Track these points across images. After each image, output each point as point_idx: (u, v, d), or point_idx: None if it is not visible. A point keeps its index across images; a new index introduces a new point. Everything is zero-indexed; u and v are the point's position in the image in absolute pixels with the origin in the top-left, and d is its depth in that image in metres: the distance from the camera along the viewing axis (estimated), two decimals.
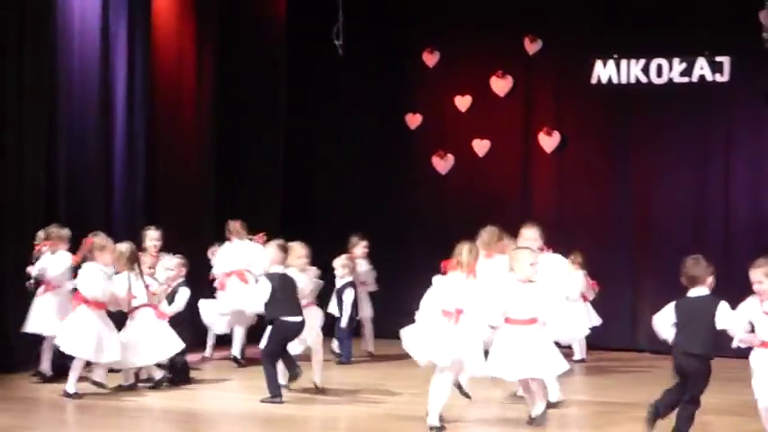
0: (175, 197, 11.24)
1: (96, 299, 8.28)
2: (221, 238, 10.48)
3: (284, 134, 12.66)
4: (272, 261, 8.19)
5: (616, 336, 11.56)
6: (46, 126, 9.57)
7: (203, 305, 10.23)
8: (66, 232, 8.81)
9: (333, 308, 10.41)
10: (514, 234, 8.31)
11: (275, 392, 8.04)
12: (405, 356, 7.45)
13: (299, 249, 8.42)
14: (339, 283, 10.42)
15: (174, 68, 11.37)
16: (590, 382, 9.80)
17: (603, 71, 11.96)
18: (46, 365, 8.80)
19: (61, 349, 8.30)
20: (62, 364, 8.56)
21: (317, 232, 11.49)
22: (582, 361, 10.77)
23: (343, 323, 10.33)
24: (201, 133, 11.69)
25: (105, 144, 10.38)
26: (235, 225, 10.15)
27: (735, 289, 6.88)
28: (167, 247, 9.66)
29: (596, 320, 10.87)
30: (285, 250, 8.24)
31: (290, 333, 8.14)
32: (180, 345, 8.58)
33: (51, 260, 8.76)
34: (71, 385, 8.16)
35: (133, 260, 8.56)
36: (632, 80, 11.86)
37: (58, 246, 8.74)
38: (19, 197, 9.32)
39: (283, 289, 8.04)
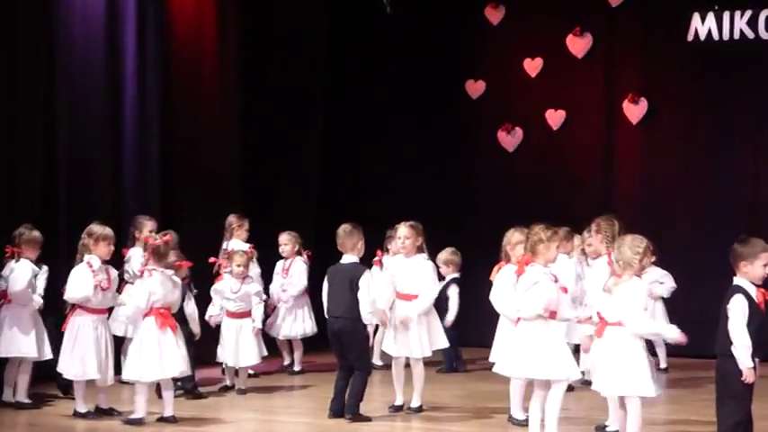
0: (195, 188, 11.29)
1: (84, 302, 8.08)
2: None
3: (323, 109, 12.79)
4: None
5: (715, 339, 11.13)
6: (42, 108, 9.61)
7: None
8: (36, 235, 8.53)
9: None
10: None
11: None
12: None
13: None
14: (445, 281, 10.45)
15: (192, 36, 11.41)
16: (674, 396, 9.33)
17: (702, 26, 11.79)
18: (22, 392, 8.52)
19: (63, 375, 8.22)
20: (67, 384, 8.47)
21: (364, 221, 11.27)
22: (665, 370, 10.47)
23: (449, 318, 10.26)
24: (225, 109, 11.77)
25: (113, 130, 10.38)
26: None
27: None
28: (185, 242, 9.37)
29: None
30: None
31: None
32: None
33: (13, 270, 8.50)
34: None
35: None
36: (736, 36, 11.69)
37: (24, 252, 8.45)
38: (11, 191, 9.28)
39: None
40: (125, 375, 7.93)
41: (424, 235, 8.39)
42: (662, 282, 10.49)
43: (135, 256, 9.12)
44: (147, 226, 9.30)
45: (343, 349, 7.93)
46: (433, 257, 10.22)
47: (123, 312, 8.27)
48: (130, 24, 10.51)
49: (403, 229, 8.26)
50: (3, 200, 9.19)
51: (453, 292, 10.34)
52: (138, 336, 7.83)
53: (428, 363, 9.92)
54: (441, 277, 10.24)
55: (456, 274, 10.39)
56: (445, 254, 10.35)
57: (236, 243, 9.91)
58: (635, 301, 6.60)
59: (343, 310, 7.87)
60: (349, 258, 7.98)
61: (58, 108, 9.73)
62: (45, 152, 9.59)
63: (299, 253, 10.31)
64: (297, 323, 10.18)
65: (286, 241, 10.32)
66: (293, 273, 10.22)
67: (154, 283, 7.76)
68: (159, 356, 7.68)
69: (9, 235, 8.58)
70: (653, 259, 9.59)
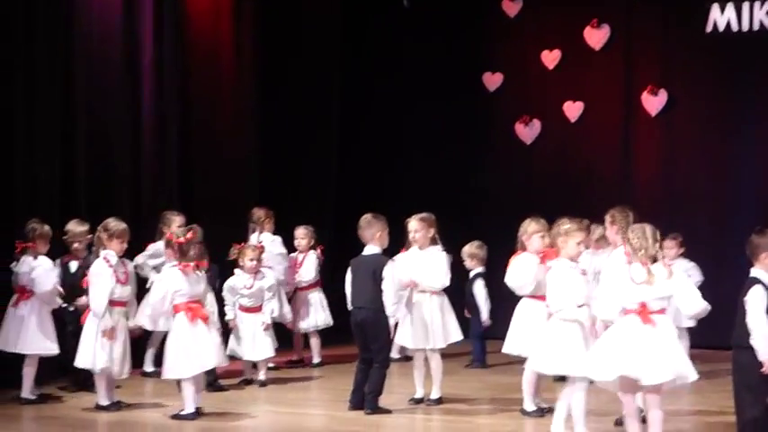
0: (212, 184, 11.21)
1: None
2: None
3: (339, 102, 12.68)
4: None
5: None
6: (60, 101, 9.59)
7: None
8: (48, 230, 8.43)
9: None
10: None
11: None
12: None
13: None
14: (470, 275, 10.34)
15: (209, 28, 11.39)
16: (695, 387, 8.82)
17: (721, 16, 11.61)
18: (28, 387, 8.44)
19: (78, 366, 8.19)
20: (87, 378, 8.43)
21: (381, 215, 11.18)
22: None
23: (483, 317, 10.19)
24: (242, 102, 11.70)
25: (131, 121, 10.35)
26: None
27: None
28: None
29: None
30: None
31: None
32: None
33: (34, 268, 8.36)
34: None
35: None
36: (756, 26, 11.52)
37: (38, 248, 8.35)
38: (31, 185, 9.26)
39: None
40: (165, 375, 7.90)
41: (436, 226, 8.32)
42: (689, 274, 10.03)
43: (158, 250, 9.18)
44: (176, 221, 9.24)
45: (366, 340, 7.90)
46: (450, 250, 10.27)
47: (146, 311, 8.25)
48: (147, 19, 10.46)
49: (413, 223, 8.22)
50: (22, 195, 9.18)
51: (479, 288, 10.16)
52: (173, 333, 7.79)
53: (453, 355, 9.96)
54: (466, 271, 10.18)
55: (480, 269, 10.21)
56: (470, 247, 10.21)
57: (267, 236, 9.94)
58: (689, 281, 6.68)
59: (365, 301, 7.84)
60: (371, 249, 7.92)
61: (76, 104, 9.77)
62: (63, 149, 9.61)
63: (312, 248, 10.26)
64: (310, 316, 10.18)
65: (303, 235, 10.26)
66: (305, 265, 10.19)
67: (177, 280, 7.75)
68: (195, 351, 7.68)
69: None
70: (682, 250, 9.76)
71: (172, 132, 10.77)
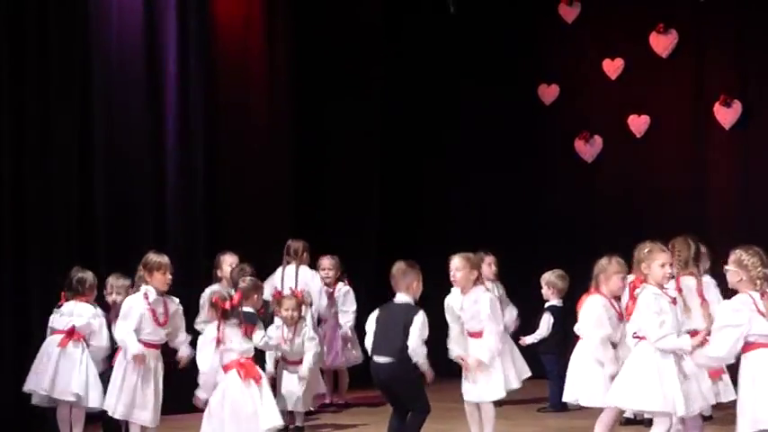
0: (242, 206, 11.24)
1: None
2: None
3: (381, 117, 12.72)
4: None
5: None
6: (77, 119, 9.69)
7: None
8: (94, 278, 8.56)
9: None
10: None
11: None
12: None
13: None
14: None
15: (239, 40, 11.47)
16: None
17: None
18: None
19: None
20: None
21: (424, 244, 11.31)
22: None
23: (526, 340, 10.15)
24: (275, 120, 11.72)
25: (153, 142, 10.45)
26: None
27: None
28: None
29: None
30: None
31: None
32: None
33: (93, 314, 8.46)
34: None
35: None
36: None
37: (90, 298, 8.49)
38: (46, 215, 9.33)
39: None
40: None
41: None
42: None
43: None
44: (227, 261, 9.32)
45: (394, 395, 7.73)
46: (509, 280, 10.28)
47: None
48: (171, 39, 10.57)
49: (455, 261, 8.09)
50: (35, 229, 9.23)
51: (544, 322, 10.08)
52: (220, 390, 7.69)
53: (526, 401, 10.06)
54: (543, 300, 10.13)
55: (556, 301, 10.09)
56: (549, 275, 10.13)
57: (306, 271, 9.96)
58: None
59: (392, 352, 7.62)
60: (403, 298, 7.76)
61: (94, 128, 9.84)
62: (80, 177, 9.68)
63: (339, 279, 10.28)
64: (340, 352, 10.18)
65: (331, 266, 10.26)
66: (346, 300, 10.26)
67: (225, 338, 7.67)
68: (247, 413, 7.60)
69: (48, 267, 8.73)
70: None
71: (197, 153, 10.79)
